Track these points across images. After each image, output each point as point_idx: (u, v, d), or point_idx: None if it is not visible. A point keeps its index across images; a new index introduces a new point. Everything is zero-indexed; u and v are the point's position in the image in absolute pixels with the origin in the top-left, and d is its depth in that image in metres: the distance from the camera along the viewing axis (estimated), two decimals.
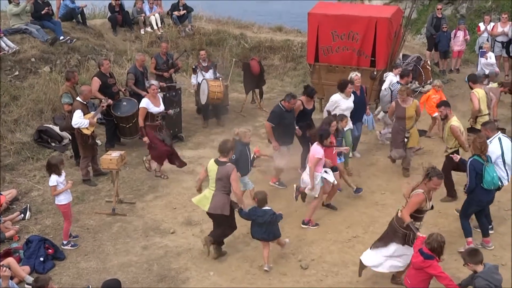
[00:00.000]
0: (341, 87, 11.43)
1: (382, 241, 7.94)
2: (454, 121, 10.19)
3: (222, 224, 8.77)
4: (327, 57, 14.90)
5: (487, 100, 11.92)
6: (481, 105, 11.66)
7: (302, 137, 11.34)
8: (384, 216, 9.99)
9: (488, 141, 8.99)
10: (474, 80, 12.22)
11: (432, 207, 7.80)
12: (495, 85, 13.78)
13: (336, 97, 11.40)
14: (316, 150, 9.42)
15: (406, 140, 11.38)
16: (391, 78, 13.04)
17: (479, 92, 11.74)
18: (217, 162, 8.57)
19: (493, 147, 9.08)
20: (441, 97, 13.53)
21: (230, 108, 15.51)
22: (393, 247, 7.76)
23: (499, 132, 9.41)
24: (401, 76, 12.69)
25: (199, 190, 9.00)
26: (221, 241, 8.98)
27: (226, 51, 18.99)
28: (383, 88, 13.14)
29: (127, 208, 10.55)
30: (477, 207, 8.96)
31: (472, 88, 11.96)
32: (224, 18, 21.40)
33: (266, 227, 8.43)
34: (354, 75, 12.13)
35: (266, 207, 8.48)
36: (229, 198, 8.57)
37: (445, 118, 10.30)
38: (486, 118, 11.68)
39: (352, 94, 11.56)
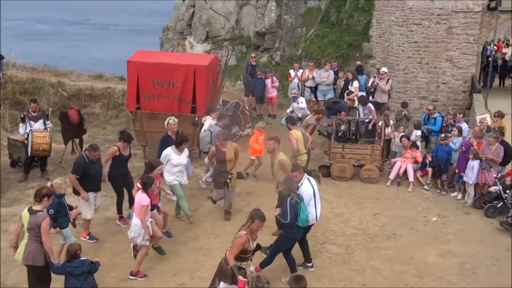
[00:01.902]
0: (177, 144, 11.41)
1: (213, 281, 8.04)
2: (282, 155, 10.99)
3: (35, 275, 8.20)
4: (149, 104, 14.90)
5: (304, 140, 12.81)
6: (299, 145, 12.51)
7: (117, 185, 11.24)
8: (209, 260, 10.11)
9: (299, 183, 9.67)
10: (292, 122, 13.22)
11: (259, 247, 8.12)
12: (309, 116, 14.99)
13: (168, 151, 11.35)
14: (142, 198, 9.32)
15: (228, 181, 11.74)
16: (209, 122, 13.48)
17: (296, 133, 12.63)
18: (30, 210, 8.12)
19: (306, 187, 9.75)
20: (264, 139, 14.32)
21: (49, 159, 14.72)
22: (222, 286, 7.89)
23: (306, 174, 10.13)
24: (219, 119, 13.20)
25: (16, 245, 8.37)
26: None
27: (43, 100, 18.05)
28: (202, 130, 13.50)
29: None
30: (292, 243, 9.50)
31: (290, 129, 12.78)
32: (39, 66, 20.46)
33: (84, 279, 8.03)
34: (172, 120, 12.33)
35: (82, 258, 8.13)
36: (42, 248, 8.06)
37: (272, 151, 11.05)
38: (305, 156, 12.59)
39: (186, 150, 11.65)
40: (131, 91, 14.98)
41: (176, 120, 12.65)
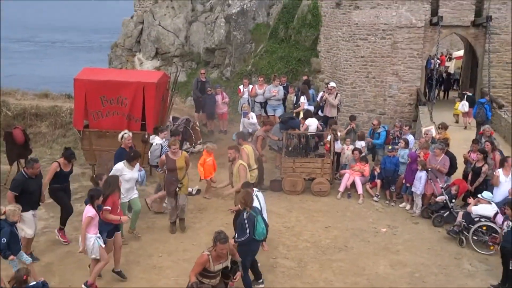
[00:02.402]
0: (130, 159, 11.29)
1: None
2: (241, 161, 11.28)
3: None
4: (98, 122, 14.71)
5: (254, 155, 12.91)
6: (250, 160, 12.55)
7: (58, 198, 11.17)
8: (162, 279, 10.01)
9: None
10: (243, 137, 13.37)
11: (230, 267, 8.15)
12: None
13: (120, 166, 11.22)
14: (88, 209, 9.20)
15: (178, 189, 11.69)
16: (157, 143, 13.43)
17: (247, 148, 12.69)
18: None
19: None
20: (213, 159, 14.29)
21: None
22: None
23: (255, 190, 10.20)
24: (172, 135, 13.19)
25: None
26: None
27: None
28: (154, 144, 13.44)
29: None
30: (252, 257, 9.51)
31: (241, 145, 12.88)
32: None
33: None
34: (127, 134, 12.33)
35: (32, 282, 7.90)
36: None
37: (233, 160, 11.35)
38: (255, 172, 12.65)
39: (138, 165, 11.54)
40: (78, 109, 14.76)
41: (131, 134, 12.59)
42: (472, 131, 18.36)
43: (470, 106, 19.70)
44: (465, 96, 20.46)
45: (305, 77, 20.42)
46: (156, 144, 13.33)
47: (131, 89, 14.45)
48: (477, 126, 18.44)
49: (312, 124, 16.06)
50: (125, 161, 11.29)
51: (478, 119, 18.41)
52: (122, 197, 11.00)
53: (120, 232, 10.25)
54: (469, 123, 19.75)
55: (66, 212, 11.32)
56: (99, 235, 9.31)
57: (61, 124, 18.29)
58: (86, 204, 9.51)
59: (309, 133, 15.56)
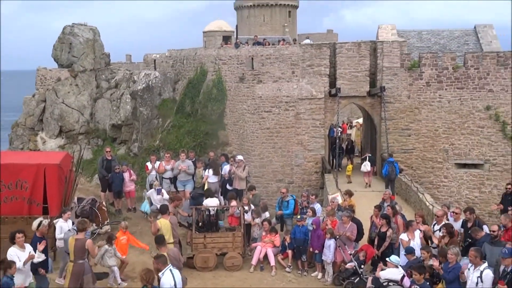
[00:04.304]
0: (11, 238, 10.81)
1: None
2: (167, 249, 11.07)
3: None
4: None
5: (172, 230, 12.75)
6: (166, 234, 12.27)
7: None
8: None
9: (160, 273, 9.49)
10: (163, 211, 13.22)
11: None
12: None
13: (12, 252, 10.66)
14: None
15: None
16: (61, 225, 12.87)
17: (162, 222, 12.51)
18: None
19: (166, 279, 9.59)
20: (128, 238, 13.86)
21: None
22: None
23: (170, 264, 9.95)
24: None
25: None
26: None
27: None
28: (56, 235, 12.83)
29: None
30: None
31: (159, 218, 12.86)
32: None
33: None
34: (45, 222, 12.29)
35: None
36: None
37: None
38: (172, 245, 12.34)
39: (28, 246, 11.00)
40: None
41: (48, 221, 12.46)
42: (376, 195, 18.96)
43: (371, 165, 21.25)
44: (367, 157, 21.63)
45: (211, 154, 20.50)
46: (64, 234, 12.59)
47: (32, 172, 13.90)
48: (387, 183, 19.44)
49: (209, 204, 15.75)
50: (13, 245, 10.80)
51: (392, 177, 19.43)
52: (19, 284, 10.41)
53: None
54: (369, 182, 21.27)
55: None
56: None
57: None
58: None
59: (218, 207, 15.50)
